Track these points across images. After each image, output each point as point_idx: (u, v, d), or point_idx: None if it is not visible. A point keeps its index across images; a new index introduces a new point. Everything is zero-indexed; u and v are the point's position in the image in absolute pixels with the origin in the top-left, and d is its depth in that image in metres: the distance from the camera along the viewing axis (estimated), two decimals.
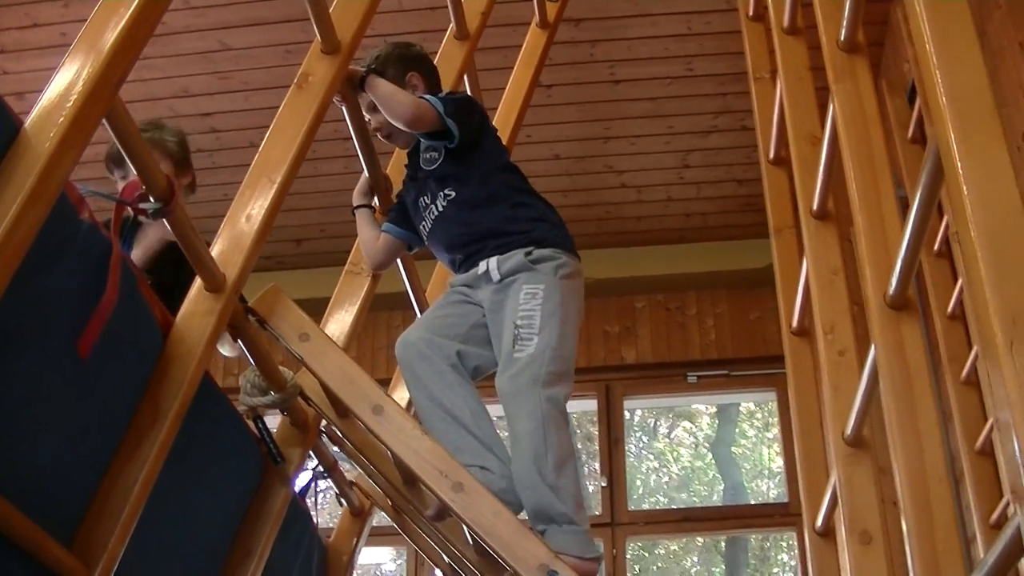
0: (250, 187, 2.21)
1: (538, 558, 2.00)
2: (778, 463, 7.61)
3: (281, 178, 2.21)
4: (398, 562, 7.93)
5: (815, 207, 2.73)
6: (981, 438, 3.68)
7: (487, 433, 2.33)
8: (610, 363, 5.84)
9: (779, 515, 5.90)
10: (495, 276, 2.53)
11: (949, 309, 3.92)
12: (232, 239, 2.14)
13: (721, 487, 8.85)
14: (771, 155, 3.44)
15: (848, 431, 2.46)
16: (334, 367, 2.20)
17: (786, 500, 5.78)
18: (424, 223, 2.70)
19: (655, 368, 5.94)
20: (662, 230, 5.95)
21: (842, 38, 2.28)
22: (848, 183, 2.20)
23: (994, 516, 3.56)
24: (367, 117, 2.72)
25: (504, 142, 3.19)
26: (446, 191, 2.64)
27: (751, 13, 3.59)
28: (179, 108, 5.02)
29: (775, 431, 7.17)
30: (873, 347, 2.19)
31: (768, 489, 8.55)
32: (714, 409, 8.76)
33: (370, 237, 2.80)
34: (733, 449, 8.82)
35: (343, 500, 2.88)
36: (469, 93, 3.16)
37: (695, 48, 4.97)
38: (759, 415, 8.62)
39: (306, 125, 2.27)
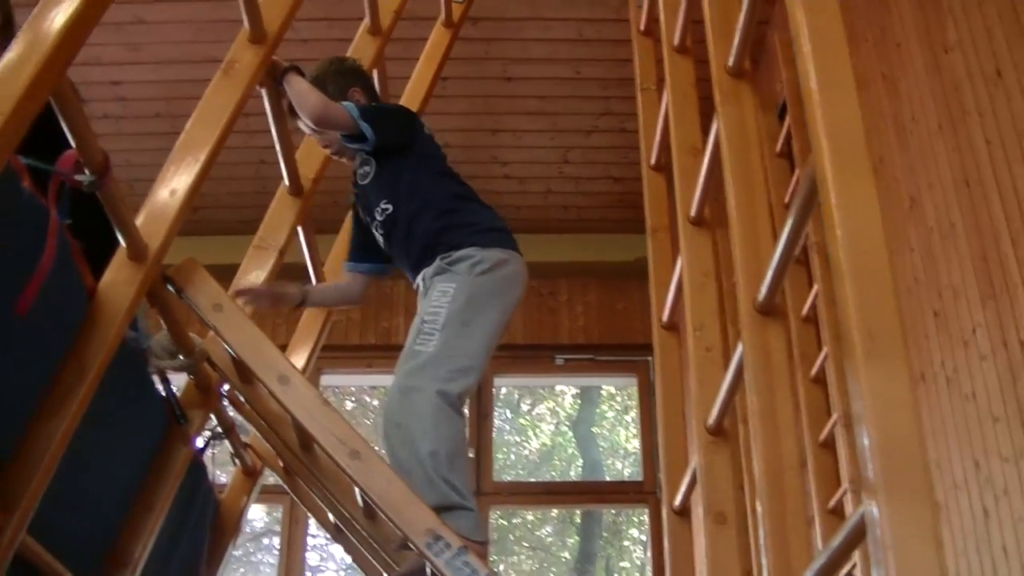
0: (175, 163, 2.33)
1: (426, 523, 2.18)
2: (634, 444, 7.92)
3: (205, 157, 2.34)
4: (266, 519, 8.38)
5: (692, 213, 2.95)
6: (824, 431, 3.98)
7: None
8: None
9: (634, 492, 6.23)
10: (421, 288, 2.71)
11: (803, 312, 4.21)
12: (155, 212, 2.26)
13: (580, 463, 9.17)
14: (652, 161, 3.67)
15: (711, 421, 2.69)
16: (244, 338, 2.35)
17: (641, 479, 6.09)
18: (378, 240, 2.84)
19: (526, 349, 6.18)
20: (541, 220, 6.19)
21: (730, 63, 2.50)
22: (727, 197, 2.41)
23: (832, 502, 3.86)
24: (317, 138, 2.87)
25: None
26: (382, 205, 2.77)
27: (642, 27, 3.80)
28: (89, 75, 5.06)
29: (633, 414, 7.48)
30: (740, 346, 2.43)
31: (623, 468, 8.88)
32: (576, 390, 9.05)
33: (338, 293, 2.96)
34: (593, 429, 9.15)
35: (237, 460, 3.02)
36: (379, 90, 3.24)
37: (584, 53, 5.20)
38: (619, 398, 8.95)
39: (230, 110, 2.40)
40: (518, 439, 9.28)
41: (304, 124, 2.80)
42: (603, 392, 9.05)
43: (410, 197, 2.75)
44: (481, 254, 2.69)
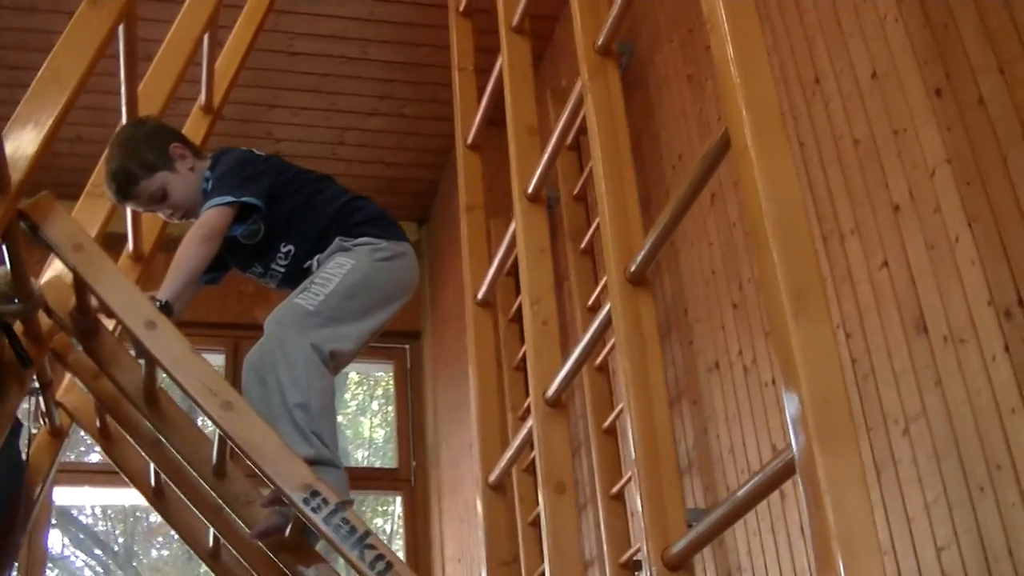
0: (38, 94, 2.19)
1: (302, 478, 2.13)
2: (379, 433, 7.92)
3: (72, 88, 2.20)
4: None
5: (530, 191, 3.01)
6: (609, 420, 4.12)
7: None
8: (241, 321, 5.87)
9: (388, 480, 6.23)
10: (315, 267, 2.65)
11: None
12: (18, 144, 2.12)
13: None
14: (469, 140, 3.71)
15: (550, 392, 2.76)
16: (107, 280, 2.22)
17: (395, 466, 6.10)
18: (265, 282, 2.78)
19: None
20: None
21: (600, 42, 2.57)
22: (595, 170, 2.49)
23: (615, 489, 4.00)
24: (159, 214, 2.74)
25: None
26: (283, 249, 2.70)
27: (462, 9, 3.84)
28: None
29: (379, 403, 7.46)
30: (598, 318, 2.50)
31: (363, 458, 8.83)
32: None
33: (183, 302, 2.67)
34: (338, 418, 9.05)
35: (46, 419, 2.84)
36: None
37: (373, 33, 5.17)
38: (364, 386, 8.90)
39: (99, 40, 2.28)
40: None
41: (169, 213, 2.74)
42: (348, 379, 8.99)
43: (307, 227, 2.70)
44: (382, 243, 2.67)
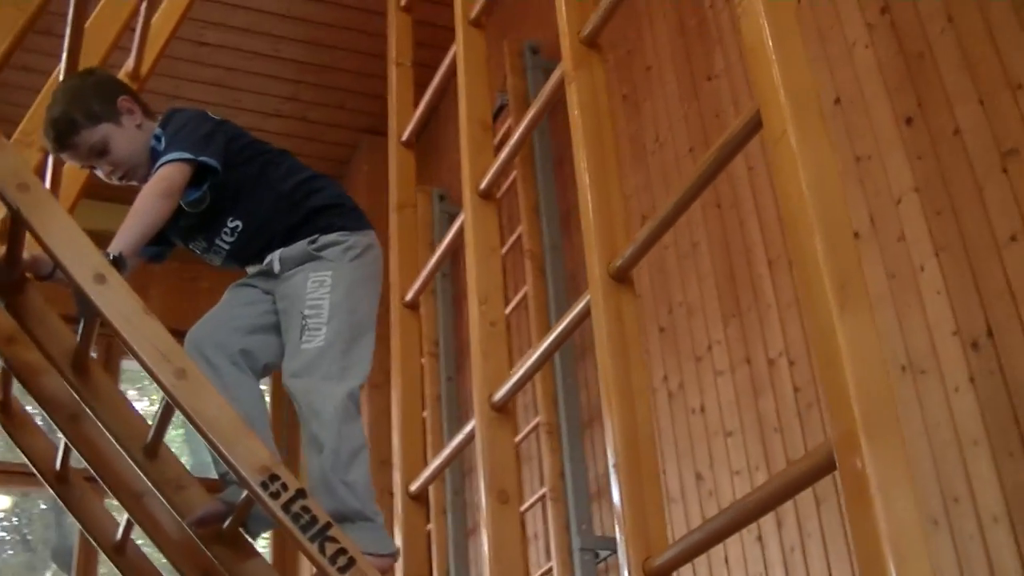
0: None
1: (261, 460, 1.92)
2: None
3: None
4: None
5: (483, 187, 2.88)
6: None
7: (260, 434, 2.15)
8: None
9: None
10: (276, 268, 2.43)
11: None
12: None
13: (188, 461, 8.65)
14: (404, 137, 3.56)
15: (497, 396, 2.61)
16: (56, 226, 1.98)
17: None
18: (209, 258, 2.55)
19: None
20: None
21: (585, 33, 2.46)
22: (577, 164, 2.37)
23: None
24: (98, 170, 2.50)
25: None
26: (229, 224, 2.48)
27: (402, 3, 3.70)
28: None
29: None
30: (563, 325, 2.37)
31: None
32: None
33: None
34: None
35: None
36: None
37: (287, 30, 5.00)
38: None
39: None
40: None
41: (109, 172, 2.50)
42: None
43: (258, 204, 2.48)
44: (351, 238, 2.47)
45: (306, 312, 2.34)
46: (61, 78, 2.58)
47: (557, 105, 2.65)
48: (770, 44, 1.81)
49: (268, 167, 2.53)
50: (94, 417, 2.21)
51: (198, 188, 2.43)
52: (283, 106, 5.37)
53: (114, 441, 2.21)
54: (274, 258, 2.46)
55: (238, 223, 2.50)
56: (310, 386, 2.27)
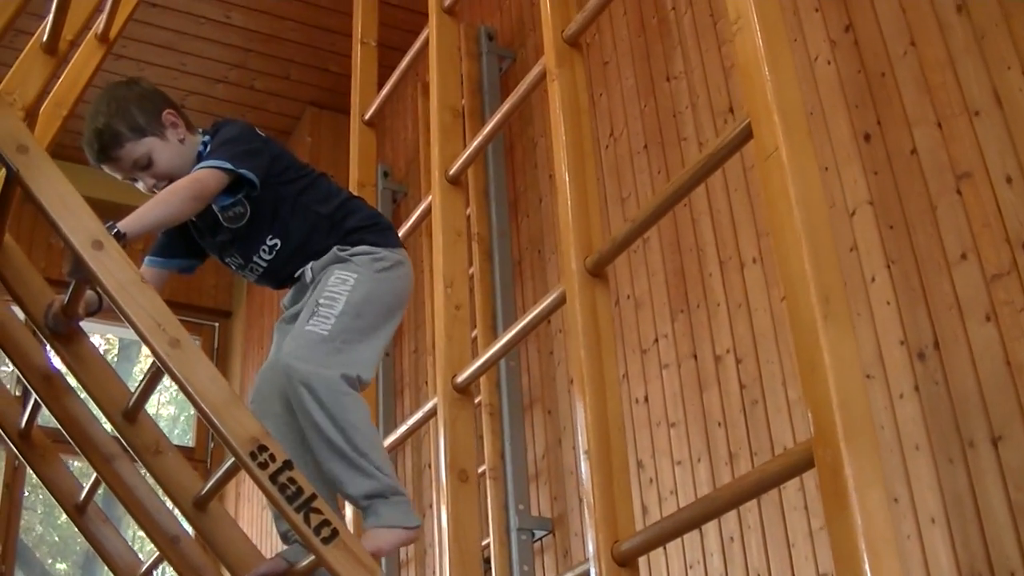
0: None
1: (250, 431, 1.97)
2: (169, 410, 7.59)
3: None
4: None
5: (452, 172, 2.94)
6: None
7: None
8: None
9: (187, 459, 5.98)
10: (309, 277, 2.44)
11: None
12: None
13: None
14: (367, 116, 3.61)
15: (460, 378, 2.68)
16: (54, 190, 2.01)
17: (192, 445, 5.86)
18: (244, 274, 2.54)
19: None
20: None
21: (568, 33, 2.53)
22: (557, 161, 2.44)
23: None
24: (138, 184, 2.47)
25: None
26: (268, 242, 2.46)
27: None
28: None
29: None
30: (537, 308, 2.45)
31: None
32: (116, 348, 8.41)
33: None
34: None
35: None
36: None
37: None
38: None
39: None
40: None
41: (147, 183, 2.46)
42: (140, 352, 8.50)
43: (297, 223, 2.48)
44: (382, 251, 2.47)
45: (321, 301, 2.33)
46: (45, 39, 2.59)
47: (509, 92, 2.69)
48: (765, 62, 1.90)
49: (308, 189, 2.52)
50: (75, 380, 2.24)
51: (230, 197, 2.42)
52: (230, 73, 5.36)
53: (94, 404, 2.24)
54: (306, 269, 2.46)
55: (277, 241, 2.48)
56: (313, 373, 2.23)
